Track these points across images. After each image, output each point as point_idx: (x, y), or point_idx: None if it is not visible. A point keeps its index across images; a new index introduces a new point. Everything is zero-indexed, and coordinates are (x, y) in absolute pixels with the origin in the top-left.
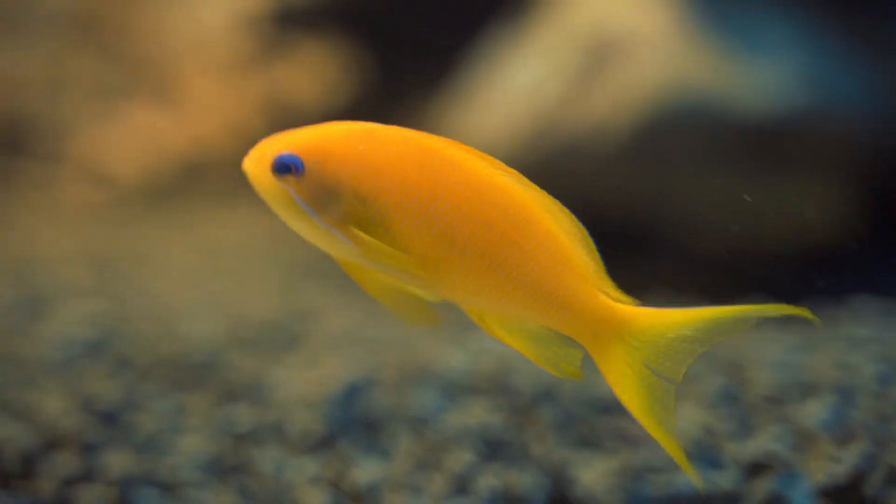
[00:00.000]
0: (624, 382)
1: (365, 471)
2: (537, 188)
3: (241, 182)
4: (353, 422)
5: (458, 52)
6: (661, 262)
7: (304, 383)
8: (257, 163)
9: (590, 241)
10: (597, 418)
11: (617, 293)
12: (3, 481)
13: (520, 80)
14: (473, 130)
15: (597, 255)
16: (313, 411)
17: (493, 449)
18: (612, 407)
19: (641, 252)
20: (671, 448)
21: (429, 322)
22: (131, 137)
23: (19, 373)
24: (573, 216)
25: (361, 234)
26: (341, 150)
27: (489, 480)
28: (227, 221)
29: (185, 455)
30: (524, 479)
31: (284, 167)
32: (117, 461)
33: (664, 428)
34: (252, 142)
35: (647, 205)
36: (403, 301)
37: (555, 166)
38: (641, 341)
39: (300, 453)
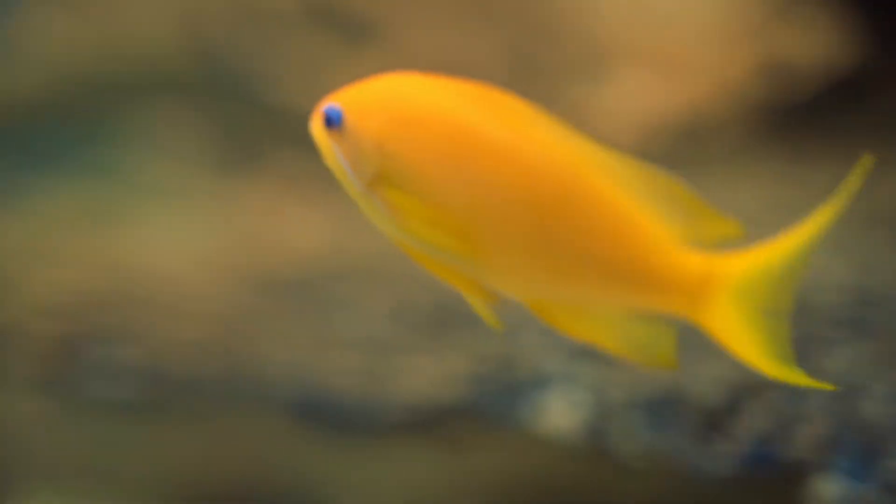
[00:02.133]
0: (741, 337)
1: None
2: (592, 142)
3: (740, 148)
4: None
5: None
6: None
7: None
8: (315, 118)
9: (675, 188)
10: None
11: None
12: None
13: None
14: None
15: (687, 199)
16: None
17: None
18: None
19: None
20: (802, 380)
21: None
22: (626, 104)
23: None
24: (648, 167)
25: (391, 194)
26: (377, 100)
27: None
28: (726, 187)
29: None
30: None
31: (328, 120)
32: None
33: (787, 364)
34: (748, 105)
35: None
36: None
37: None
38: (747, 287)
39: None
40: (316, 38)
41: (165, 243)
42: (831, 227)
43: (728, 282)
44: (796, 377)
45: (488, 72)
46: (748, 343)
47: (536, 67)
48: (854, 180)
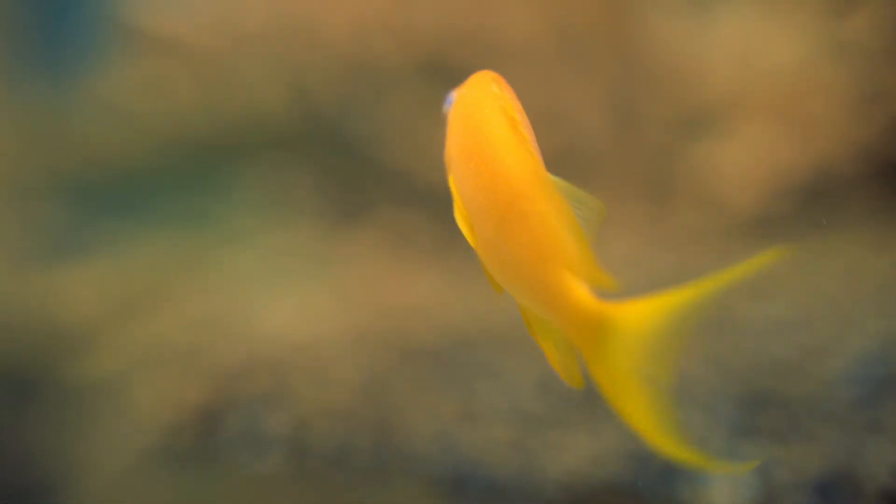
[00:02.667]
0: (613, 389)
1: None
2: (540, 164)
3: (871, 209)
4: None
5: None
6: None
7: None
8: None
9: (594, 225)
10: None
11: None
12: None
13: None
14: None
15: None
16: None
17: None
18: None
19: None
20: (691, 458)
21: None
22: (749, 162)
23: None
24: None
25: (450, 177)
26: (459, 92)
27: None
28: (858, 250)
29: None
30: None
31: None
32: None
33: (674, 437)
34: (879, 165)
35: None
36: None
37: None
38: (625, 341)
39: None
40: (422, 94)
41: (291, 305)
42: (713, 300)
43: (603, 329)
44: (695, 458)
45: (592, 122)
46: (621, 398)
47: (645, 120)
48: (755, 262)
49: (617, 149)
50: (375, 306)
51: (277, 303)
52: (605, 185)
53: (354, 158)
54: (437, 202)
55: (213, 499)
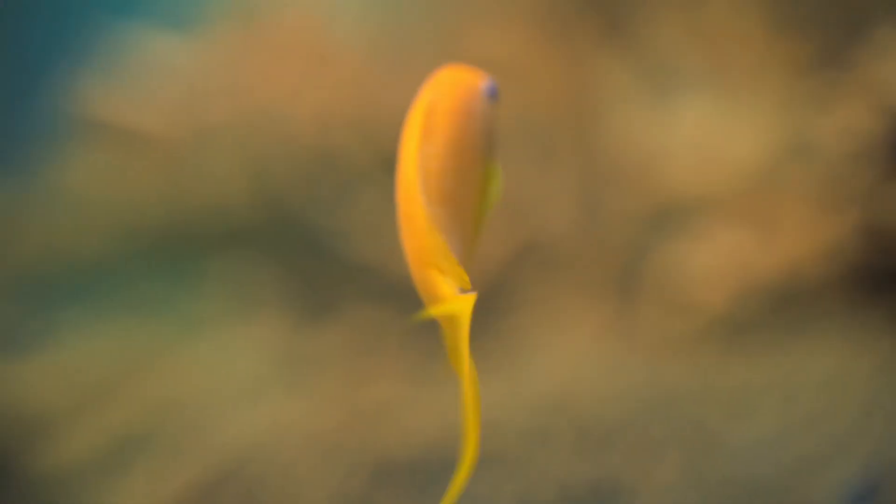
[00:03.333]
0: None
1: None
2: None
3: (840, 311)
4: None
5: None
6: None
7: None
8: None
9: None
10: None
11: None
12: None
13: None
14: None
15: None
16: None
17: None
18: None
19: None
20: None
21: None
22: (717, 262)
23: None
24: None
25: None
26: None
27: None
28: (829, 352)
29: None
30: None
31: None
32: None
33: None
34: (847, 265)
35: None
36: None
37: None
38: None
39: None
40: (387, 188)
41: (256, 410)
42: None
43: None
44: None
45: (556, 215)
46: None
47: (609, 215)
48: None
49: (581, 243)
50: (344, 413)
51: (242, 406)
52: (570, 280)
53: (319, 253)
54: (405, 298)
55: None
